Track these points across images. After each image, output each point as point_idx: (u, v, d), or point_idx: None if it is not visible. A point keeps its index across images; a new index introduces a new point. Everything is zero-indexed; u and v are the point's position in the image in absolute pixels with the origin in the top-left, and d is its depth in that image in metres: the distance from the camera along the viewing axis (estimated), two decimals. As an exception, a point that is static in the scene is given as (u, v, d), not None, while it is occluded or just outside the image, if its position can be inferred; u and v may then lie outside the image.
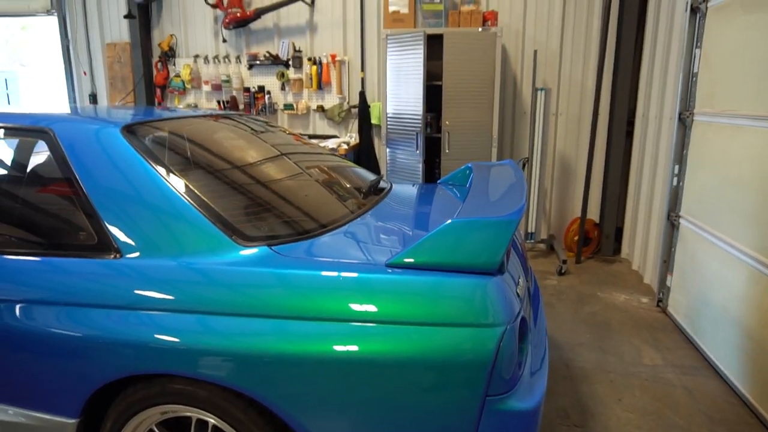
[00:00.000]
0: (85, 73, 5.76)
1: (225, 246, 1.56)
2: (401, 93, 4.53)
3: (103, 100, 5.80)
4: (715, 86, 3.07)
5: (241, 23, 5.13)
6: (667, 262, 3.62)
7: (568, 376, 2.81)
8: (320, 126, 5.40)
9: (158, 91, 5.57)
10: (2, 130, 1.89)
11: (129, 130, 1.82)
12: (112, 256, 1.60)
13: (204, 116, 2.35)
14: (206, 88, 5.48)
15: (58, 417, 1.62)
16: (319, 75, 5.19)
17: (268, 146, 2.32)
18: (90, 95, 5.80)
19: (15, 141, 1.93)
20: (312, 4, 5.11)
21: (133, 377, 1.56)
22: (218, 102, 5.45)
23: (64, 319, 1.56)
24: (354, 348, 1.39)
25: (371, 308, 1.41)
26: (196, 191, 1.67)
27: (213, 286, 1.50)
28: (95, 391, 1.57)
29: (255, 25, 5.28)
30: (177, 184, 1.66)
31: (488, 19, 4.43)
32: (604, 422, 2.43)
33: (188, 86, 5.51)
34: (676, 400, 2.60)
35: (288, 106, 5.32)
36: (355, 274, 1.46)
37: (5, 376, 1.65)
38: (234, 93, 5.41)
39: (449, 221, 1.44)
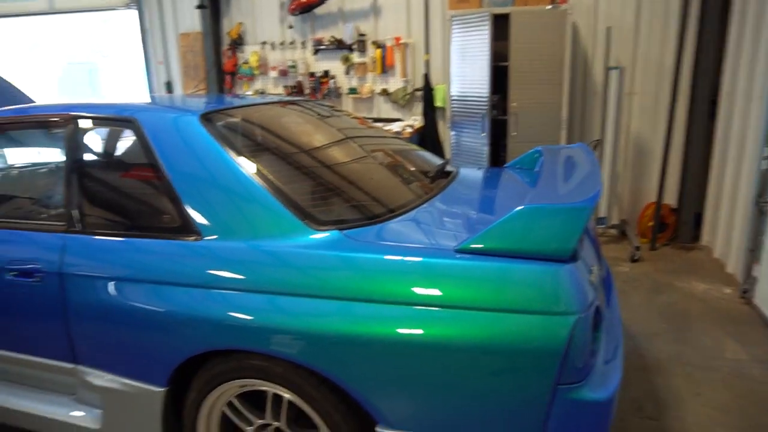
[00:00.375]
0: (160, 63, 6.05)
1: (298, 230, 1.60)
2: (466, 74, 4.45)
3: (177, 88, 6.08)
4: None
5: (306, 8, 5.20)
6: (753, 251, 3.38)
7: (642, 367, 2.71)
8: (384, 109, 5.40)
9: (228, 77, 5.77)
10: (90, 120, 2.02)
11: (206, 117, 1.89)
12: (193, 238, 1.69)
13: (273, 103, 2.41)
14: (273, 73, 5.61)
15: (148, 385, 1.74)
16: (383, 58, 5.19)
17: (335, 131, 2.35)
18: (166, 83, 6.09)
19: (102, 130, 2.07)
20: (376, -14, 5.10)
21: (212, 352, 1.65)
22: (284, 87, 5.58)
23: (150, 295, 1.67)
24: (421, 332, 1.40)
25: (440, 293, 1.41)
26: (269, 176, 1.72)
27: (286, 267, 1.55)
28: (180, 363, 1.67)
29: (320, 10, 5.34)
30: (251, 169, 1.72)
31: (558, -5, 4.25)
32: (682, 417, 2.33)
33: (256, 72, 5.67)
34: (762, 397, 2.45)
35: (352, 90, 5.36)
36: (424, 259, 1.46)
37: (103, 345, 1.79)
38: (300, 78, 5.51)
39: (521, 207, 1.41)
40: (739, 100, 3.93)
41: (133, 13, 6.08)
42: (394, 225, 1.70)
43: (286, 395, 1.61)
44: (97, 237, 1.83)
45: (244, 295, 1.57)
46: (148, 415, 1.77)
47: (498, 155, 4.82)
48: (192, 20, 5.80)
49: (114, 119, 1.98)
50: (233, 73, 5.74)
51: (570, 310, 1.34)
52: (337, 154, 2.11)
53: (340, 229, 1.62)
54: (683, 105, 4.49)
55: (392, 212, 1.78)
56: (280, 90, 5.64)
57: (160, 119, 1.89)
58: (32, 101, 3.86)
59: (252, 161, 1.76)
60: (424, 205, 1.90)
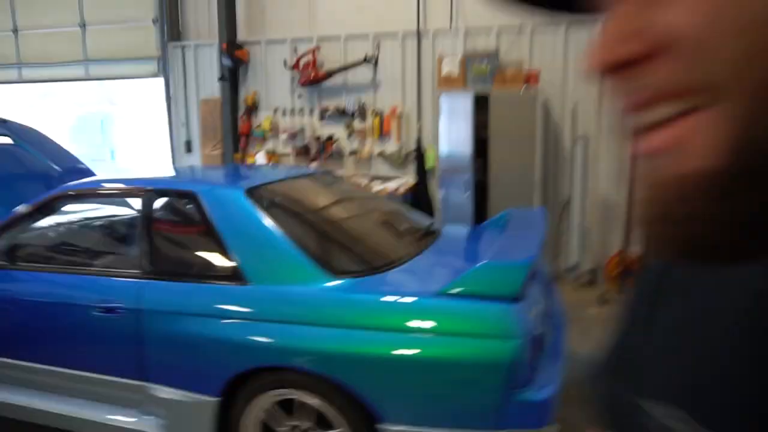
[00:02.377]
0: (182, 124, 6.78)
1: (319, 277, 2.22)
2: (453, 141, 5.17)
3: (196, 145, 6.78)
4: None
5: (314, 82, 5.97)
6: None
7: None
8: (381, 169, 6.11)
9: (243, 138, 6.49)
10: (160, 193, 2.65)
11: (249, 191, 2.54)
12: (242, 283, 2.29)
13: (297, 177, 3.07)
14: (283, 136, 6.34)
15: (204, 396, 2.30)
16: (381, 125, 5.93)
17: (344, 200, 3.00)
18: (186, 142, 6.80)
19: (169, 200, 2.70)
20: (375, 64, 5.88)
21: (257, 369, 2.23)
22: (293, 148, 6.29)
23: (210, 326, 2.26)
24: (413, 352, 2.00)
25: (425, 324, 2.02)
26: (300, 236, 2.35)
27: (311, 305, 2.16)
28: (231, 378, 2.24)
29: (326, 83, 6.12)
30: (286, 231, 2.34)
31: (529, 79, 5.02)
32: None
33: (268, 135, 6.40)
34: None
35: (353, 152, 6.08)
36: (414, 300, 2.08)
37: (169, 365, 2.36)
38: (307, 140, 6.23)
39: (483, 263, 2.04)
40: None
41: (160, 81, 6.85)
42: (392, 274, 2.32)
43: (314, 401, 2.18)
44: (173, 282, 2.43)
45: (282, 326, 2.17)
46: (203, 421, 2.32)
47: (481, 211, 5.50)
48: (212, 88, 6.57)
49: (179, 192, 2.61)
50: (248, 135, 6.46)
51: (515, 335, 1.95)
52: (348, 219, 2.76)
53: (353, 277, 2.24)
54: (640, 169, 5.19)
55: (390, 264, 2.41)
56: (289, 150, 6.35)
57: (214, 193, 2.53)
58: (75, 157, 4.48)
59: (286, 225, 2.39)
60: (415, 259, 2.53)
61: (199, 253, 2.49)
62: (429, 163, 5.82)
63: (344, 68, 5.87)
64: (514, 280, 2.01)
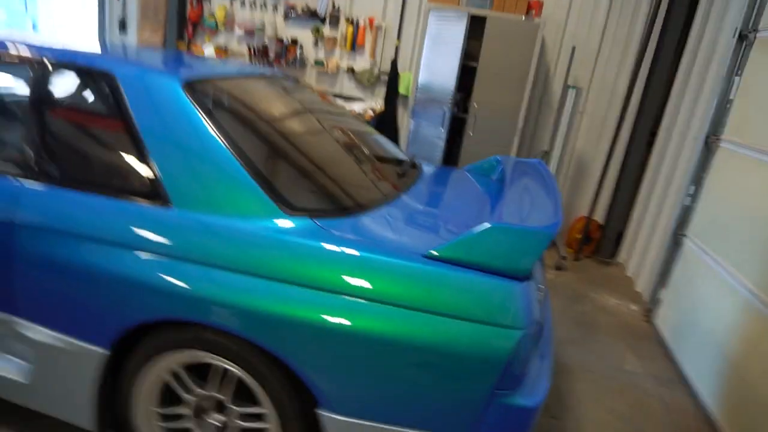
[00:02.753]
0: (118, -3, 5.68)
1: (270, 212, 1.65)
2: (435, 67, 4.54)
3: (132, 28, 5.74)
4: (748, 118, 3.13)
5: (283, -30, 5.06)
6: (663, 276, 3.76)
7: (553, 370, 2.98)
8: (347, 87, 5.40)
9: (189, 26, 5.53)
10: (63, 67, 1.93)
11: (189, 84, 1.87)
12: (163, 204, 1.69)
13: (255, 76, 2.38)
14: (239, 32, 5.44)
15: (91, 345, 1.74)
16: (354, 36, 5.17)
17: (313, 115, 2.38)
18: (120, 21, 5.74)
19: (74, 78, 1.98)
20: (358, -38, 5.04)
21: (166, 321, 1.68)
22: (249, 47, 5.43)
23: (110, 257, 1.66)
24: (380, 327, 1.51)
25: (402, 294, 1.52)
26: (248, 154, 1.74)
27: (256, 249, 1.60)
28: (129, 328, 1.69)
29: (297, -25, 5.21)
30: (230, 144, 1.73)
31: (533, 7, 4.40)
32: (580, 419, 2.61)
33: (221, 28, 5.47)
34: (650, 409, 2.78)
35: (318, 63, 5.31)
36: (392, 260, 1.56)
37: (47, 300, 1.76)
38: (266, 41, 5.38)
39: (491, 224, 1.53)
40: (674, 138, 4.29)
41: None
42: (366, 220, 1.78)
43: (235, 371, 1.67)
44: (60, 188, 1.78)
45: (205, 269, 1.60)
46: (84, 376, 1.77)
47: (452, 151, 4.99)
48: (159, -44, 5.47)
49: (91, 71, 1.90)
50: (196, 23, 5.50)
51: (518, 325, 1.50)
52: (313, 139, 2.15)
53: (313, 218, 1.68)
54: (626, 132, 4.83)
55: (364, 206, 1.86)
56: (244, 49, 5.48)
57: (140, 79, 1.85)
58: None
59: (232, 136, 1.76)
60: (394, 202, 1.99)
61: (106, 157, 1.83)
62: (402, 88, 5.18)
63: (321, -40, 4.99)
64: (530, 253, 1.54)
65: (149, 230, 1.67)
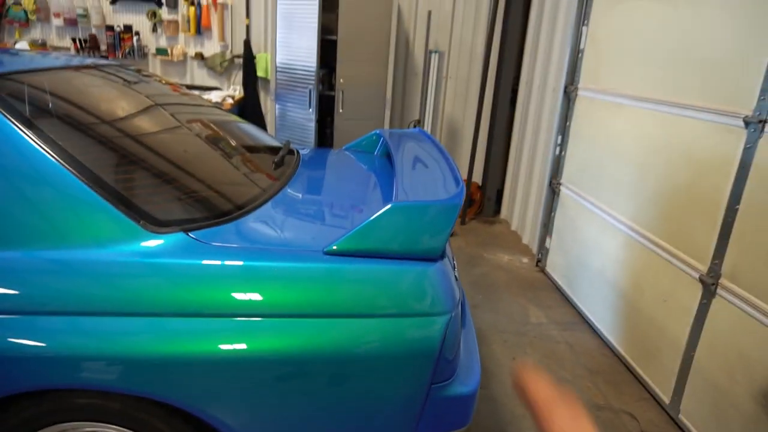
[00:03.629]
0: None
1: (132, 233, 1.31)
2: (293, 44, 4.24)
3: None
4: (599, 64, 3.29)
5: (100, -52, 4.37)
6: (546, 226, 3.91)
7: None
8: (199, 76, 4.89)
9: (-9, 21, 4.61)
10: None
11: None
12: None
13: (76, 67, 1.94)
14: (57, 21, 4.64)
15: None
16: (198, 18, 4.66)
17: (159, 108, 2.00)
18: None
19: None
20: (188, -66, 4.51)
21: (24, 394, 1.29)
22: (73, 39, 4.66)
23: None
24: (286, 344, 1.27)
25: (306, 301, 1.29)
26: (88, 166, 1.37)
27: (122, 280, 1.26)
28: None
29: (118, -48, 4.55)
30: (62, 156, 1.34)
31: (385, -26, 4.26)
32: (503, 381, 2.59)
33: (32, 18, 4.63)
34: (560, 355, 2.86)
35: (161, 51, 4.73)
36: (288, 264, 1.32)
37: None
38: (94, 30, 4.66)
39: (390, 204, 1.35)
40: (535, 92, 4.46)
41: None
42: (249, 223, 1.50)
43: (121, 433, 1.34)
44: None
45: (70, 319, 1.24)
46: None
47: (323, 131, 4.75)
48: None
49: None
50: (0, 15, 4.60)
51: (442, 310, 1.34)
52: (172, 139, 1.80)
53: (186, 231, 1.37)
54: (489, 92, 4.94)
55: (242, 207, 1.58)
56: (67, 43, 4.70)
57: None
58: None
59: (60, 146, 1.38)
60: (276, 197, 1.73)
61: None
62: (260, 71, 4.80)
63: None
64: (440, 230, 1.38)
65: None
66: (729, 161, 2.11)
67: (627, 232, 2.83)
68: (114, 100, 1.81)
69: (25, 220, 1.29)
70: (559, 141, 3.74)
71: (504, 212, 5.16)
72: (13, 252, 1.26)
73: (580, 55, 3.55)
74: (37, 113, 1.43)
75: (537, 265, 4.03)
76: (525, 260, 4.17)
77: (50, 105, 1.54)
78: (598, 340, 3.03)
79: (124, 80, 2.06)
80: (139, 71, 2.31)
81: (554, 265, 3.80)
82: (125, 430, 1.33)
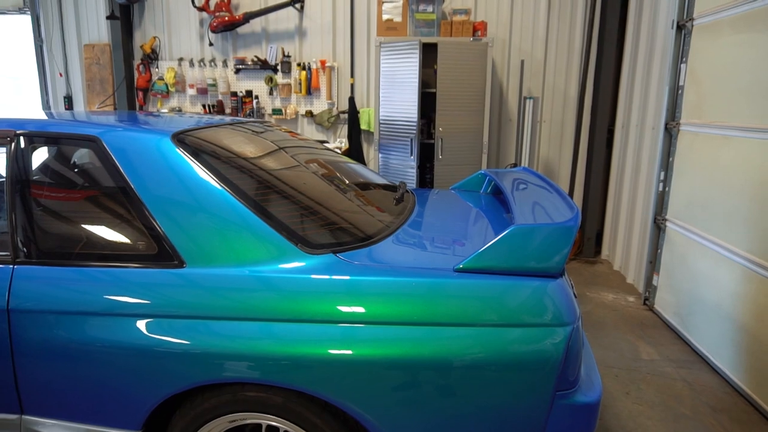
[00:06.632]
0: (60, 75, 5.55)
1: (291, 254, 1.59)
2: (394, 99, 4.61)
3: (79, 103, 5.61)
4: (702, 99, 3.30)
5: (228, 27, 5.08)
6: (653, 263, 3.84)
7: (577, 373, 2.95)
8: (308, 131, 5.41)
9: (140, 94, 5.44)
10: (43, 138, 1.84)
11: (177, 137, 1.81)
12: (175, 265, 1.60)
13: (234, 124, 2.34)
14: (191, 91, 5.39)
15: (119, 431, 1.60)
16: (308, 80, 5.21)
17: (299, 154, 2.34)
18: (65, 97, 5.60)
19: (56, 148, 1.89)
20: (301, 9, 5.12)
21: (198, 388, 1.56)
22: (203, 106, 5.38)
23: (126, 330, 1.55)
24: (428, 350, 1.45)
25: (444, 312, 1.47)
26: (253, 197, 1.69)
27: (287, 293, 1.52)
28: (159, 402, 1.56)
29: (243, 29, 5.25)
30: (234, 191, 1.66)
31: (478, 29, 4.57)
32: (618, 414, 2.57)
33: (172, 90, 5.41)
34: (678, 392, 2.78)
35: (276, 111, 5.31)
36: (426, 280, 1.52)
37: (59, 390, 1.62)
38: (220, 97, 5.35)
39: (512, 227, 1.52)
40: (632, 131, 4.48)
41: (26, 19, 5.53)
42: (385, 246, 1.73)
43: (282, 426, 1.56)
44: (48, 267, 1.66)
45: (235, 324, 1.51)
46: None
47: (424, 177, 5.03)
48: (98, 31, 5.41)
49: (72, 137, 1.81)
50: (146, 90, 5.43)
51: (565, 321, 1.47)
52: (309, 175, 2.11)
53: (334, 252, 1.62)
54: (585, 134, 5.00)
55: (377, 234, 1.82)
56: (199, 108, 5.43)
57: (128, 140, 1.77)
58: None
59: (233, 184, 1.70)
60: (402, 227, 1.96)
61: (104, 225, 1.73)
62: (363, 124, 5.22)
63: (265, 11, 5.04)
64: (559, 248, 1.52)
65: (160, 295, 1.56)
66: None
67: (744, 264, 2.76)
68: (267, 149, 2.17)
69: (206, 244, 1.60)
70: (662, 177, 3.72)
71: (605, 252, 5.08)
72: (195, 269, 1.57)
73: (680, 91, 3.57)
74: (215, 161, 1.78)
75: (645, 304, 3.93)
76: (631, 299, 4.08)
77: (217, 152, 1.89)
78: (719, 379, 2.91)
79: (261, 131, 2.44)
80: (269, 125, 2.70)
81: (664, 303, 3.70)
82: (284, 421, 1.55)
